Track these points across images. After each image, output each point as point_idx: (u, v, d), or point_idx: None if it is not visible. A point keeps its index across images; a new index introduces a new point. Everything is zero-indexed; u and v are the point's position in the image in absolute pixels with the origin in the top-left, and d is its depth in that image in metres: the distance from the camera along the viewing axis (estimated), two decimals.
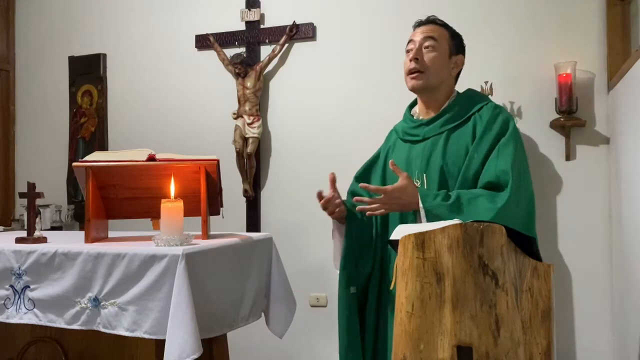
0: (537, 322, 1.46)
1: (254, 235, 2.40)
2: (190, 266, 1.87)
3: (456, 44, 2.15)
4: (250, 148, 3.74)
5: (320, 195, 2.09)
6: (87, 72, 4.27)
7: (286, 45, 3.78)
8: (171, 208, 1.99)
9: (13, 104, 4.55)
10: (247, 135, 3.74)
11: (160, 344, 1.88)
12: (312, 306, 3.67)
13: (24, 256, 2.05)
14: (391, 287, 1.64)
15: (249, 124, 3.74)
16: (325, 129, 3.73)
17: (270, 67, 3.81)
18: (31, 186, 2.27)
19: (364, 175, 2.33)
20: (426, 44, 2.09)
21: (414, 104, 2.28)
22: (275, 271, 2.41)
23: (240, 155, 3.77)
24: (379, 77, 3.64)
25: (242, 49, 3.86)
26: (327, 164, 3.71)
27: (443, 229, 1.55)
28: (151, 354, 1.99)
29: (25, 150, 4.54)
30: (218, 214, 2.35)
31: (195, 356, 1.78)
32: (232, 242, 2.17)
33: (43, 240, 2.17)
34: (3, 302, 2.06)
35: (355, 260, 2.15)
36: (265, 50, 3.83)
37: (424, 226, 1.67)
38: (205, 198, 2.16)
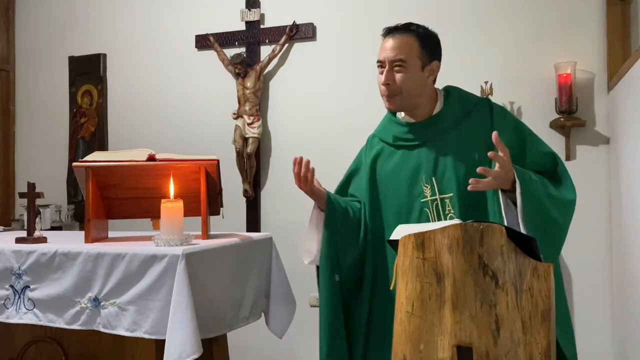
0: (537, 322, 1.46)
1: (254, 235, 2.40)
2: (190, 266, 1.87)
3: (428, 52, 2.03)
4: (250, 148, 3.75)
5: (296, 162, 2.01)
6: (87, 72, 4.28)
7: (286, 45, 3.78)
8: (171, 208, 1.99)
9: (13, 104, 4.55)
10: (247, 135, 3.74)
11: (160, 344, 1.89)
12: (312, 306, 3.66)
13: (24, 256, 2.05)
14: (391, 287, 1.64)
15: (249, 124, 3.74)
16: (326, 129, 3.73)
17: (270, 67, 3.81)
18: (31, 186, 2.27)
19: (344, 188, 2.27)
20: (395, 64, 1.99)
21: None
22: (275, 271, 2.41)
23: (240, 155, 3.78)
24: None
25: (242, 49, 3.86)
26: (327, 164, 3.71)
27: (443, 229, 1.55)
28: (151, 354, 1.99)
29: (25, 150, 4.54)
30: (218, 214, 2.35)
31: (195, 356, 1.78)
32: (232, 242, 2.17)
33: (43, 240, 2.17)
34: (3, 302, 2.06)
35: (336, 250, 2.08)
36: (265, 50, 3.83)
37: (424, 226, 1.67)
38: (205, 198, 2.16)
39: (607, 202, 3.20)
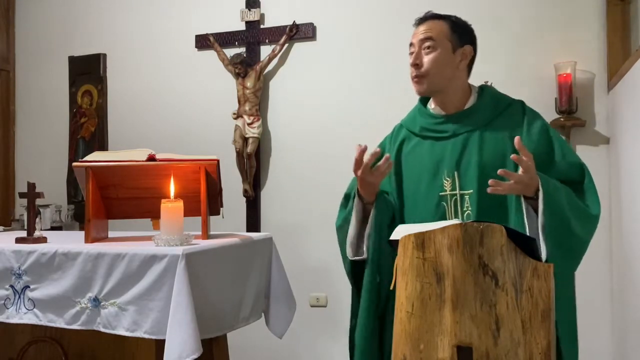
0: (537, 322, 1.46)
1: (254, 235, 2.40)
2: (190, 266, 1.87)
3: (460, 36, 2.02)
4: (250, 148, 3.75)
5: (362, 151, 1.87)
6: (87, 72, 4.28)
7: (286, 45, 3.78)
8: (171, 208, 1.99)
9: (13, 104, 4.55)
10: (247, 135, 3.74)
11: (160, 344, 1.88)
12: (312, 306, 3.67)
13: (24, 256, 2.05)
14: (391, 287, 1.64)
15: (249, 124, 3.74)
16: (325, 129, 3.73)
17: (270, 67, 3.81)
18: (31, 186, 2.27)
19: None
20: (425, 45, 1.98)
21: (424, 97, 2.12)
22: (275, 271, 2.41)
23: (240, 155, 3.78)
24: (378, 76, 3.64)
25: (242, 49, 3.87)
26: (327, 164, 3.73)
27: (443, 229, 1.55)
28: (151, 354, 1.99)
29: (25, 150, 4.54)
30: (218, 214, 2.35)
31: (195, 356, 1.78)
32: (232, 242, 2.17)
33: (43, 240, 2.17)
34: (3, 302, 2.06)
35: (381, 249, 1.94)
36: (265, 50, 3.83)
37: (424, 226, 1.67)
38: (205, 198, 2.16)
39: (607, 202, 3.20)
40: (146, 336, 1.89)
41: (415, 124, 2.10)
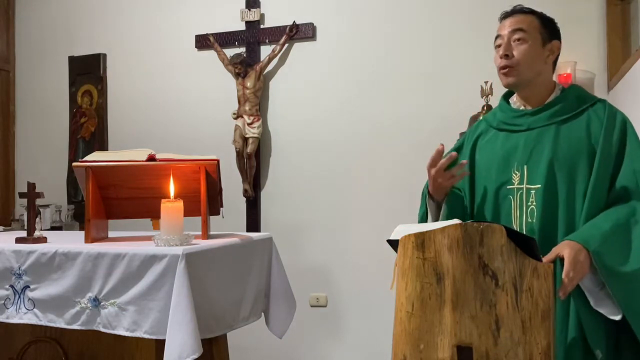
0: (537, 322, 1.46)
1: (254, 235, 2.40)
2: (190, 266, 1.87)
3: (549, 31, 2.00)
4: (250, 148, 3.75)
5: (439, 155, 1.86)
6: (87, 72, 4.28)
7: (286, 45, 3.78)
8: (171, 208, 1.99)
9: (13, 104, 4.55)
10: (247, 135, 3.74)
11: (160, 344, 1.89)
12: (312, 306, 3.67)
13: (24, 256, 2.05)
14: (390, 288, 1.63)
15: (249, 124, 3.74)
16: (325, 129, 3.73)
17: (270, 67, 3.81)
18: (31, 186, 2.28)
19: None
20: (515, 36, 1.97)
21: (508, 94, 2.11)
22: (275, 271, 2.41)
23: (240, 155, 3.78)
24: (378, 76, 3.64)
25: (242, 49, 3.87)
26: (327, 164, 3.73)
27: (443, 229, 1.55)
28: (151, 354, 1.99)
29: (25, 150, 4.54)
30: (218, 214, 2.35)
31: (195, 356, 1.78)
32: (232, 242, 2.17)
33: (43, 240, 2.17)
34: (3, 302, 2.06)
35: None
36: (265, 50, 3.84)
37: (424, 226, 1.67)
38: (205, 198, 2.16)
39: None
40: (146, 336, 1.89)
41: (494, 118, 2.09)
